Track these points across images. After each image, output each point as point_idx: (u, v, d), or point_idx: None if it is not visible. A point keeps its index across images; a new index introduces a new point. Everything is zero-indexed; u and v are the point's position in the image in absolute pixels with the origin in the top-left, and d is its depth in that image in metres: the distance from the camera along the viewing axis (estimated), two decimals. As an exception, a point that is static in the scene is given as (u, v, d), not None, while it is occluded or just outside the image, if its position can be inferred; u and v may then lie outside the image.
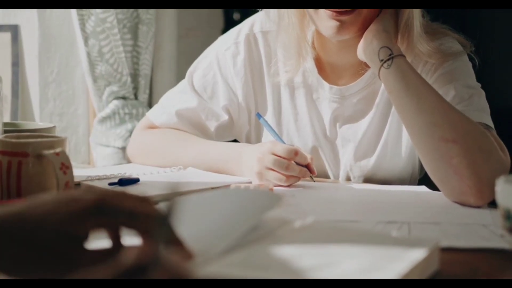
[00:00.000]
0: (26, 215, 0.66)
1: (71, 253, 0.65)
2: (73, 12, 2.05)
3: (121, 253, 0.59)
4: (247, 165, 1.27)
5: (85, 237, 0.66)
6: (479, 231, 0.96)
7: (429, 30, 1.32)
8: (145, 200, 0.68)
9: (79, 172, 1.28)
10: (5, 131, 1.14)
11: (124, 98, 2.13)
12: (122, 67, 2.11)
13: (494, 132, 1.24)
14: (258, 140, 1.44)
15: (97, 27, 2.06)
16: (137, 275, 0.50)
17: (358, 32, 1.27)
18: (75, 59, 2.14)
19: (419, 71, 1.26)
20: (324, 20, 1.25)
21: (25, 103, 2.09)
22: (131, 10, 2.12)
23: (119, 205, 0.67)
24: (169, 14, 2.26)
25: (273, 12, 1.40)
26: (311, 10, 1.27)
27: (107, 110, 2.10)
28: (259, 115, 1.37)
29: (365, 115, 1.37)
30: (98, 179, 1.24)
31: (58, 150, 1.01)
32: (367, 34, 1.26)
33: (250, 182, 1.25)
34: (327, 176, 1.41)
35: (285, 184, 1.22)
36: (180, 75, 1.49)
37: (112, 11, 2.06)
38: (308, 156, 1.24)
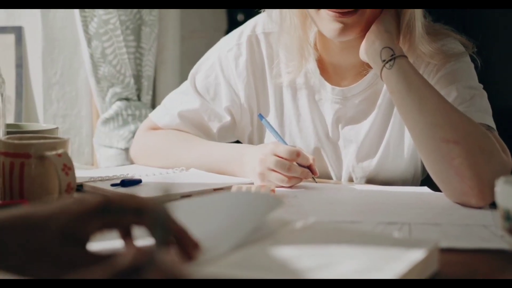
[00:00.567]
0: (32, 215, 0.66)
1: (73, 254, 0.65)
2: (77, 14, 2.06)
3: (118, 254, 0.59)
4: (249, 166, 1.27)
5: (88, 239, 0.66)
6: (479, 232, 0.96)
7: (431, 31, 1.32)
8: (150, 200, 0.69)
9: (82, 173, 1.28)
10: (8, 133, 1.15)
11: (127, 99, 2.13)
12: (125, 68, 2.11)
13: (496, 133, 1.24)
14: (261, 141, 1.44)
15: (100, 29, 2.06)
16: (133, 275, 0.51)
17: (360, 33, 1.27)
18: (78, 61, 2.15)
19: (421, 72, 1.26)
20: (326, 21, 1.25)
21: (29, 104, 2.10)
22: (134, 11, 2.12)
23: (125, 204, 0.67)
24: (172, 16, 2.26)
25: (275, 13, 1.40)
26: (312, 12, 1.27)
27: (110, 112, 2.10)
28: (261, 116, 1.37)
29: (367, 116, 1.37)
30: (100, 180, 1.24)
31: (60, 151, 1.02)
32: (369, 34, 1.26)
33: (252, 183, 1.25)
34: (329, 177, 1.41)
35: (287, 185, 1.23)
36: (183, 77, 1.49)
37: (114, 12, 2.06)
38: (310, 157, 1.24)
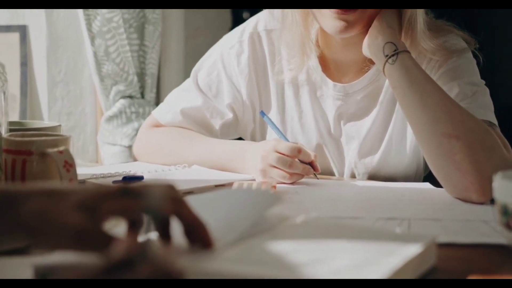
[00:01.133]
0: (54, 187, 0.67)
1: (89, 229, 0.65)
2: (80, 12, 2.07)
3: (111, 247, 0.60)
4: (251, 163, 1.27)
5: (104, 219, 0.66)
6: (479, 227, 0.96)
7: (433, 27, 1.32)
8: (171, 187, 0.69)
9: (85, 170, 1.29)
10: (11, 130, 1.15)
11: (130, 97, 2.14)
12: (129, 66, 2.12)
13: (498, 129, 1.24)
14: (263, 138, 1.45)
15: (103, 27, 2.07)
16: (125, 267, 0.51)
17: (362, 29, 1.27)
18: (82, 59, 2.16)
19: (423, 68, 1.26)
20: (328, 19, 1.25)
21: (34, 102, 2.11)
22: (137, 10, 2.13)
23: (143, 190, 0.68)
24: (176, 14, 2.27)
25: (277, 10, 1.40)
26: (314, 10, 1.27)
27: (114, 109, 2.11)
28: (263, 113, 1.37)
29: (369, 112, 1.37)
30: (102, 177, 1.25)
31: (61, 148, 1.02)
32: (372, 30, 1.26)
33: (254, 180, 1.25)
34: (331, 174, 1.41)
35: (289, 182, 1.23)
36: (187, 75, 1.50)
37: (118, 11, 2.07)
38: (312, 154, 1.25)
